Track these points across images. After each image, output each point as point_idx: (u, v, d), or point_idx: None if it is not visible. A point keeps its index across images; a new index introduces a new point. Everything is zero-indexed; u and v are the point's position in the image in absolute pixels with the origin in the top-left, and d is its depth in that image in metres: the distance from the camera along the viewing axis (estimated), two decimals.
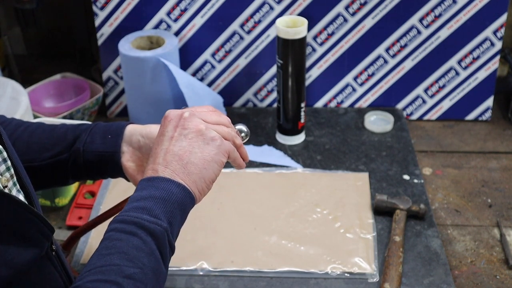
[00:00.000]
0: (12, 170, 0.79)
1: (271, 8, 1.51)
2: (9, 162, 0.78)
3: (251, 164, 1.41)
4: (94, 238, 1.21)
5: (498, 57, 1.54)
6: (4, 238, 0.72)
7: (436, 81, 1.57)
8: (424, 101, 1.60)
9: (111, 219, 0.99)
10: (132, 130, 0.96)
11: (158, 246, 0.76)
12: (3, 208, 0.72)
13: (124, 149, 0.95)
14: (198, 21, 1.54)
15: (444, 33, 1.52)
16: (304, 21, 1.38)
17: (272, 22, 1.52)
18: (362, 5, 1.50)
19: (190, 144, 0.82)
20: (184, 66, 1.58)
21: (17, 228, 0.73)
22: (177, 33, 1.55)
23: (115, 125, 0.97)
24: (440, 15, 1.50)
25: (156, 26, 1.55)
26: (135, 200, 0.79)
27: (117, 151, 0.95)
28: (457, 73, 1.56)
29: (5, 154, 0.78)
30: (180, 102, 1.47)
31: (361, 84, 1.60)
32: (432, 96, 1.59)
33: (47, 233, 0.78)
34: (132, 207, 0.78)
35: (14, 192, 0.79)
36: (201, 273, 1.14)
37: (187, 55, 1.57)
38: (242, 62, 1.59)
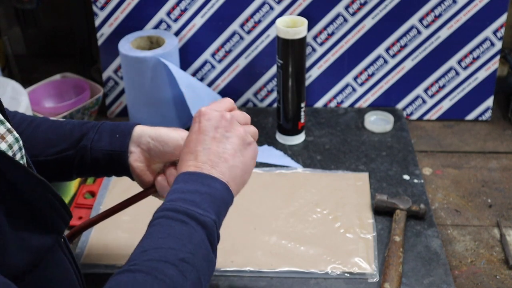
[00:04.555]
0: (25, 159, 0.80)
1: (271, 8, 1.52)
2: (23, 151, 0.79)
3: None
4: (94, 238, 1.21)
5: (498, 57, 1.54)
6: (28, 221, 0.74)
7: (436, 81, 1.58)
8: (424, 101, 1.60)
9: (115, 215, 1.01)
10: (141, 131, 0.98)
11: (208, 235, 0.79)
12: (29, 186, 0.73)
13: (132, 149, 0.97)
14: (198, 21, 1.54)
15: (444, 33, 1.52)
16: (304, 21, 1.38)
17: (272, 22, 1.52)
18: (362, 5, 1.50)
19: (233, 148, 0.85)
20: (184, 66, 1.58)
21: (40, 209, 0.75)
22: (177, 33, 1.55)
23: (123, 125, 0.99)
24: (440, 15, 1.50)
25: (156, 26, 1.55)
26: (180, 192, 0.80)
27: (125, 150, 0.97)
28: (457, 73, 1.56)
29: (21, 143, 0.79)
30: (180, 102, 1.47)
31: (361, 84, 1.60)
32: (432, 96, 1.59)
33: (66, 218, 0.79)
34: (179, 198, 0.79)
35: None
36: None
37: (187, 55, 1.57)
38: (242, 62, 1.59)
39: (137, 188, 1.05)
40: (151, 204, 1.13)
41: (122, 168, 0.98)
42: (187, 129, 1.55)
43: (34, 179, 0.74)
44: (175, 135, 0.97)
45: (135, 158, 0.97)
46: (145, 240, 0.77)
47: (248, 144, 0.87)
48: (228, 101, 0.92)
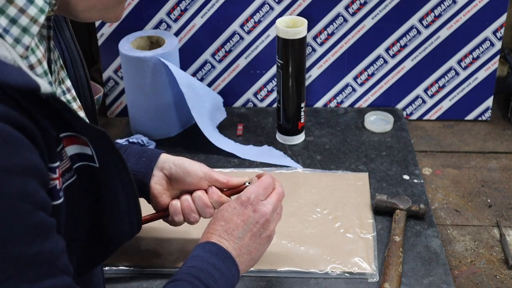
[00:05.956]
0: None
1: (271, 8, 1.52)
2: None
3: (251, 164, 1.41)
4: None
5: (497, 57, 1.54)
6: (100, 240, 0.82)
7: (436, 81, 1.58)
8: (424, 101, 1.60)
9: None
10: (165, 158, 1.07)
11: None
12: (125, 189, 0.81)
13: (155, 173, 1.06)
14: (198, 21, 1.54)
15: (444, 33, 1.52)
16: (304, 21, 1.38)
17: (272, 22, 1.53)
18: (362, 5, 1.50)
19: (260, 243, 0.98)
20: (184, 66, 1.58)
21: (111, 223, 0.83)
22: (177, 33, 1.55)
23: (150, 151, 1.09)
24: (440, 15, 1.50)
25: (156, 26, 1.55)
26: (206, 262, 0.91)
27: (149, 173, 1.06)
28: (457, 73, 1.56)
29: None
30: (180, 102, 1.47)
31: (361, 84, 1.60)
32: (432, 96, 1.59)
33: (135, 232, 0.89)
34: (205, 268, 0.89)
35: None
36: None
37: (187, 55, 1.57)
38: (242, 62, 1.59)
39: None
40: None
41: (142, 189, 1.06)
42: (187, 130, 1.55)
43: (132, 186, 0.81)
44: (196, 166, 1.06)
45: (156, 181, 1.06)
46: None
47: (271, 238, 1.00)
48: (272, 183, 1.01)
